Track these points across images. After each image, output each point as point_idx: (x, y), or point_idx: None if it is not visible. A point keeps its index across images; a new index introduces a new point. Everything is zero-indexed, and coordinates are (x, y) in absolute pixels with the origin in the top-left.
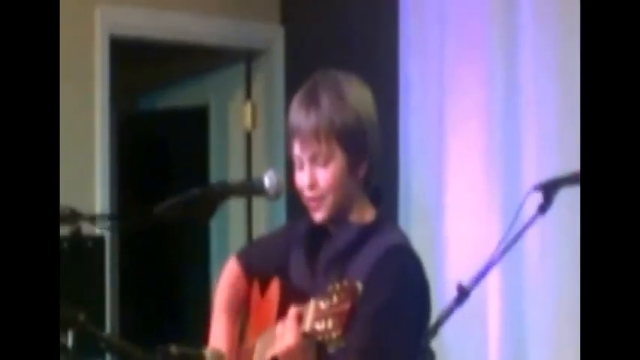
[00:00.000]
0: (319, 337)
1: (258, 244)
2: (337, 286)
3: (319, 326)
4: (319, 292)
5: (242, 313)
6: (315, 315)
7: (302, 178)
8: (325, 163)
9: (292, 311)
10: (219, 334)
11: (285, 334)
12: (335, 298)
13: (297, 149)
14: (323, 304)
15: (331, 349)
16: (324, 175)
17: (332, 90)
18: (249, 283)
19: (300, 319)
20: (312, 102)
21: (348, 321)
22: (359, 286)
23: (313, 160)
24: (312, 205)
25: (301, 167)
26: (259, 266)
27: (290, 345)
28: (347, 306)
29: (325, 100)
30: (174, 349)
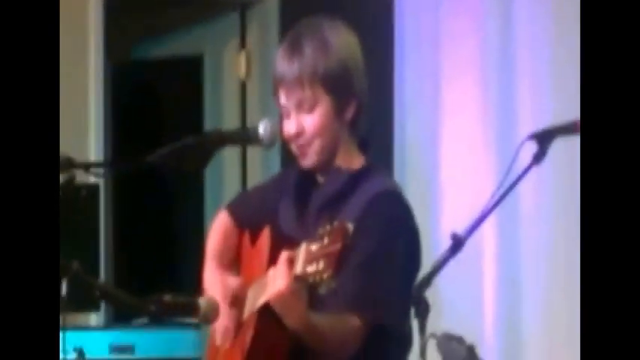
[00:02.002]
0: (311, 279)
1: (248, 195)
2: (327, 227)
3: (310, 268)
4: (311, 237)
5: (234, 262)
6: (307, 257)
7: (289, 127)
8: (310, 109)
9: (283, 255)
10: (212, 281)
11: (277, 279)
12: (326, 240)
13: (282, 98)
14: (314, 247)
15: (323, 291)
16: (310, 121)
17: (315, 37)
18: (240, 234)
19: (291, 262)
20: (295, 50)
21: (339, 261)
22: (349, 226)
23: (299, 107)
24: (300, 151)
25: (288, 115)
26: (249, 217)
27: (282, 289)
28: (338, 246)
29: (308, 48)
30: (168, 297)
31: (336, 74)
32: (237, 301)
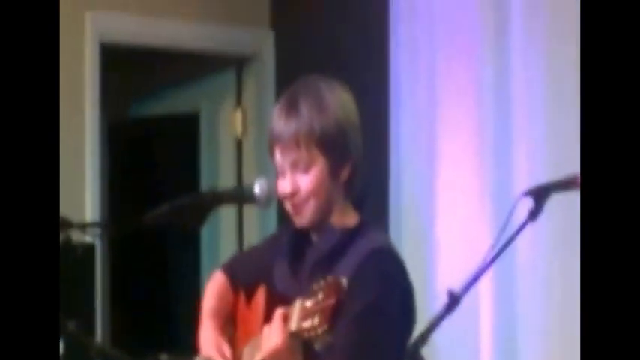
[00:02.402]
0: (306, 335)
1: (243, 255)
2: (322, 282)
3: (305, 324)
4: (305, 294)
5: (230, 321)
6: (301, 313)
7: (284, 186)
8: (306, 169)
9: (278, 312)
10: (208, 340)
11: (272, 335)
12: (320, 295)
13: (278, 157)
14: (308, 302)
15: (318, 346)
16: (306, 181)
17: (311, 96)
18: (235, 294)
19: (286, 319)
20: (291, 109)
21: (334, 316)
22: (344, 281)
23: (294, 166)
24: (294, 210)
25: (283, 174)
26: (244, 276)
27: (277, 345)
28: (332, 301)
29: (304, 107)
30: (164, 357)
31: (332, 135)
32: None
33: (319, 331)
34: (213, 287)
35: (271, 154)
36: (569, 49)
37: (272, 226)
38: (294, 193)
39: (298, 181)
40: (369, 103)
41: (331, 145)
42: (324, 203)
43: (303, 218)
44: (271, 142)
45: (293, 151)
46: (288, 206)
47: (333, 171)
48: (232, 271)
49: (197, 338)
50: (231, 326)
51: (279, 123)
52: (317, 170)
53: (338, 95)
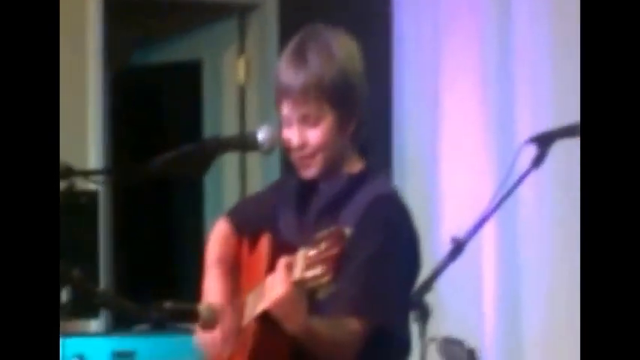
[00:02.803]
0: (309, 284)
1: (247, 202)
2: (325, 232)
3: (309, 273)
4: (309, 243)
5: (234, 268)
6: (305, 263)
7: (291, 137)
8: (315, 123)
9: (282, 261)
10: (212, 288)
11: (275, 285)
12: (323, 245)
13: (286, 109)
14: (312, 252)
15: (321, 295)
16: (314, 135)
17: (319, 46)
18: (239, 241)
19: (289, 268)
20: (300, 60)
21: (337, 266)
22: (347, 231)
23: (303, 120)
24: (301, 163)
25: (290, 125)
26: (248, 223)
27: (280, 295)
28: (335, 251)
29: (313, 58)
30: (168, 304)
31: (341, 87)
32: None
33: (323, 280)
34: (217, 235)
35: (278, 104)
36: None
37: (275, 172)
38: (302, 146)
39: (307, 134)
40: (373, 52)
41: (340, 97)
42: (331, 156)
43: (311, 171)
44: (279, 93)
45: (302, 105)
46: (294, 158)
47: (342, 124)
48: (236, 218)
49: (201, 286)
50: (235, 274)
51: (288, 74)
52: (326, 124)
53: (344, 44)
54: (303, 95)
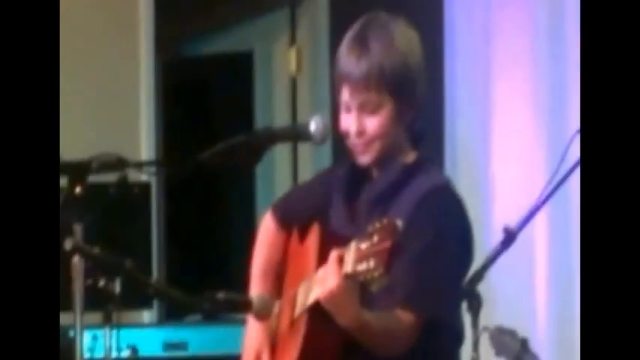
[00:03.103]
0: (361, 278)
1: (295, 193)
2: (377, 225)
3: (361, 267)
4: (361, 234)
5: (279, 276)
6: (357, 256)
7: (349, 124)
8: (374, 111)
9: (333, 254)
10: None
11: (327, 278)
12: (375, 238)
13: (345, 95)
14: (364, 245)
15: (374, 289)
16: (373, 123)
17: (381, 34)
18: (288, 234)
19: (341, 261)
20: (362, 47)
21: (390, 259)
22: (399, 223)
23: (362, 107)
24: (358, 149)
25: (348, 111)
26: (297, 215)
27: (332, 288)
28: (388, 244)
29: (375, 45)
30: (221, 294)
31: (401, 77)
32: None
33: (375, 274)
34: (263, 236)
35: (337, 89)
36: None
37: (327, 162)
38: (360, 133)
39: (365, 121)
40: (424, 42)
41: (401, 87)
42: (388, 145)
43: (367, 157)
44: (339, 79)
45: (363, 92)
46: (351, 144)
47: (400, 114)
48: (283, 211)
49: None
50: (280, 278)
51: (350, 61)
52: (385, 113)
53: (406, 33)
54: (365, 83)
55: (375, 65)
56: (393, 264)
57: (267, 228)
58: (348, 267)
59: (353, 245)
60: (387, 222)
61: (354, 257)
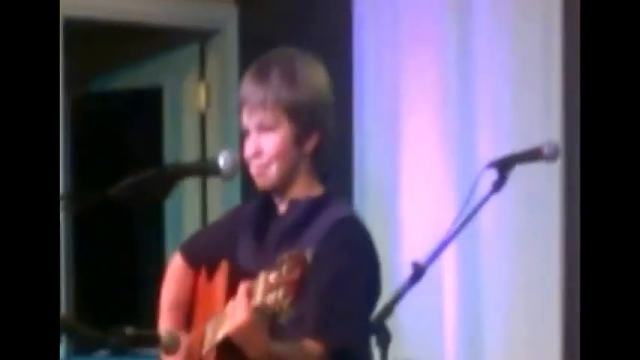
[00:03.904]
0: (270, 309)
1: (203, 233)
2: (285, 256)
3: (269, 298)
4: (269, 267)
5: (188, 311)
6: (265, 287)
7: (247, 146)
8: (270, 129)
9: (242, 287)
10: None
11: (236, 311)
12: (284, 268)
13: (244, 118)
14: (272, 276)
15: (283, 320)
16: (269, 141)
17: (283, 68)
18: (195, 274)
19: (250, 293)
20: (262, 77)
21: (298, 290)
22: (308, 254)
23: (259, 127)
24: (257, 171)
25: (248, 135)
26: (204, 253)
27: (241, 321)
28: (296, 275)
29: (275, 78)
30: (129, 330)
31: (299, 105)
32: (193, 353)
33: (284, 304)
34: (172, 274)
35: (240, 118)
36: (533, 17)
37: (236, 198)
38: (257, 153)
39: (262, 141)
40: (333, 76)
41: (298, 113)
42: (287, 168)
43: (266, 180)
44: (240, 105)
45: (259, 112)
46: (252, 168)
47: (298, 138)
48: (191, 250)
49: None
50: (190, 316)
51: (248, 87)
52: (281, 133)
53: (311, 71)
54: (261, 104)
55: (273, 90)
56: (302, 294)
57: (175, 266)
58: (257, 299)
59: (262, 277)
60: (296, 253)
61: (263, 288)
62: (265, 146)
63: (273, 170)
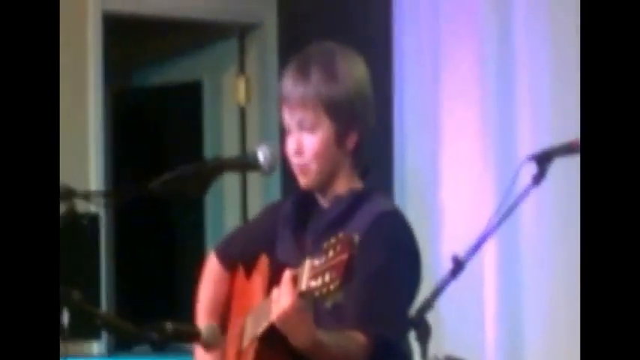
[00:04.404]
0: (317, 293)
1: (239, 232)
2: (332, 240)
3: (315, 283)
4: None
5: (224, 314)
6: (311, 273)
7: (289, 144)
8: (312, 129)
9: (287, 274)
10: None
11: (281, 298)
12: (331, 252)
13: (286, 116)
14: (317, 261)
15: (329, 304)
16: (310, 141)
17: (323, 64)
18: (233, 272)
19: (295, 280)
20: (302, 75)
21: (346, 272)
22: (356, 237)
23: (300, 125)
24: (299, 170)
25: (289, 133)
26: (242, 253)
27: (286, 307)
28: (344, 256)
29: (315, 74)
30: (169, 325)
31: (340, 102)
32: (232, 348)
33: (331, 287)
34: (208, 275)
35: (282, 115)
36: (572, 14)
37: (276, 192)
38: (298, 151)
39: (303, 140)
40: (372, 71)
41: (338, 111)
42: (328, 166)
43: (307, 178)
44: (281, 102)
45: (300, 111)
46: (293, 166)
47: (339, 136)
48: (226, 250)
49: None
50: (224, 317)
51: (289, 84)
52: (322, 132)
53: (352, 66)
54: (301, 102)
55: (312, 87)
56: (350, 277)
57: (211, 268)
58: (302, 284)
59: (307, 263)
60: (344, 235)
61: (308, 274)
62: (307, 146)
63: (315, 169)
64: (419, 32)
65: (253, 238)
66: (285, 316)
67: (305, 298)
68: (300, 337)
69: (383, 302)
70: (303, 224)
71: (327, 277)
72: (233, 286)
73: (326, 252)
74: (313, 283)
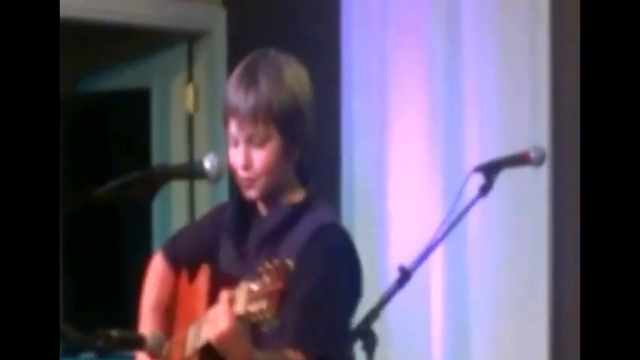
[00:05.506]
0: (253, 319)
1: (184, 233)
2: (268, 265)
3: (252, 307)
4: (250, 274)
5: (169, 311)
6: (248, 297)
7: (236, 157)
8: (261, 145)
9: (224, 295)
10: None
11: (218, 319)
12: (267, 278)
13: (233, 129)
14: (255, 286)
15: (265, 329)
16: (260, 157)
17: (270, 70)
18: (176, 275)
19: (232, 302)
20: (250, 82)
21: (281, 300)
22: (290, 264)
23: (249, 140)
24: (245, 183)
25: (236, 145)
26: (186, 255)
27: (224, 329)
28: (279, 285)
29: (264, 81)
30: (115, 332)
31: (289, 112)
32: (175, 356)
33: (267, 315)
34: (153, 274)
35: (225, 124)
36: (521, 22)
37: (224, 198)
38: (247, 167)
39: (252, 155)
40: (321, 80)
41: (288, 123)
42: (276, 180)
43: (254, 192)
44: (227, 112)
45: (250, 125)
46: (238, 178)
47: (287, 150)
48: (173, 251)
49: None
50: (170, 317)
51: (238, 95)
52: (272, 147)
53: (295, 70)
54: (252, 116)
55: (264, 100)
56: (285, 304)
57: (156, 267)
58: (240, 308)
59: (244, 286)
60: (279, 263)
61: (246, 298)
62: (255, 160)
63: (263, 182)
64: (367, 38)
65: (197, 242)
66: (222, 337)
67: (242, 321)
68: (236, 357)
69: (321, 320)
70: (245, 231)
71: (263, 304)
72: (177, 288)
73: (262, 277)
74: (250, 308)
